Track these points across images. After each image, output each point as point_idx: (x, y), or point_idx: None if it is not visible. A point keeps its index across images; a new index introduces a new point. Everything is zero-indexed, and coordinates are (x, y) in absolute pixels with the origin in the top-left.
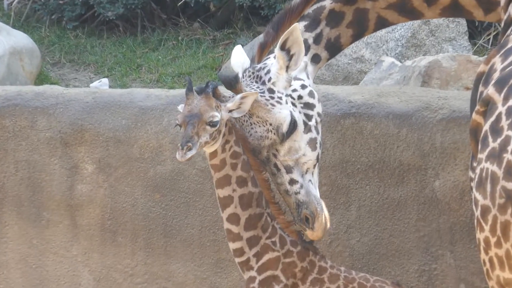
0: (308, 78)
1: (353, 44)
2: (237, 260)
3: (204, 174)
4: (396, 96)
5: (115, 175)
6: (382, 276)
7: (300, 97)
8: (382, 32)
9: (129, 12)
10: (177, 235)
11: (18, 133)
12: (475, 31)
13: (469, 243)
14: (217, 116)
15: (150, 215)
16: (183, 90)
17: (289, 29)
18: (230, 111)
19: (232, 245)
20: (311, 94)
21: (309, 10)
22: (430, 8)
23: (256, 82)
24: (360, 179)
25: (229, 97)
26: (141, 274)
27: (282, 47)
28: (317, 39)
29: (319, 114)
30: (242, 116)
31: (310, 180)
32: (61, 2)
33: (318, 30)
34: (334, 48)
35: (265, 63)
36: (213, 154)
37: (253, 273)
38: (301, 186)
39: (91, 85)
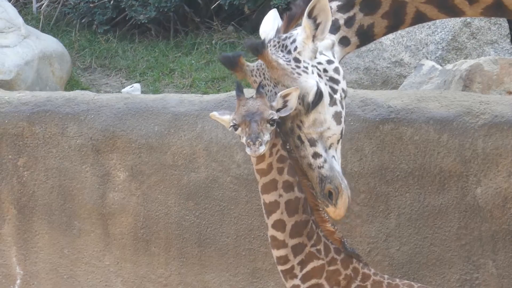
0: (333, 57)
1: (392, 47)
2: (280, 268)
3: (239, 181)
4: (437, 100)
5: (148, 183)
6: (424, 284)
7: (325, 70)
8: (422, 35)
9: (162, 16)
10: (212, 244)
11: (48, 140)
12: None
13: None
14: (275, 114)
15: (184, 223)
16: (217, 95)
17: None
18: (277, 110)
19: (276, 253)
20: (336, 70)
21: None
22: (471, 6)
23: (282, 51)
24: (400, 186)
25: (253, 66)
26: (175, 284)
27: (309, 15)
28: (348, 22)
29: (343, 90)
30: (265, 86)
31: (333, 156)
32: (91, 5)
33: (350, 14)
34: (366, 36)
35: (291, 33)
36: (261, 158)
37: (296, 281)
38: (325, 161)
39: (122, 90)
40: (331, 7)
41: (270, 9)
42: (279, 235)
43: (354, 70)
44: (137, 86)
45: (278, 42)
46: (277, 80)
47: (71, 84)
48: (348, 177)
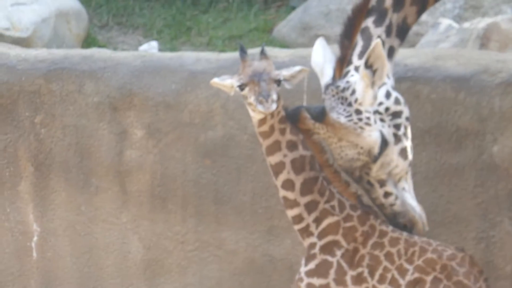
0: (388, 78)
1: None
2: (296, 227)
3: (255, 139)
4: (454, 59)
5: (165, 141)
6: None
7: (387, 109)
8: None
9: None
10: (228, 202)
11: (65, 97)
12: None
13: None
14: (281, 75)
15: (200, 181)
16: (234, 54)
17: (372, 46)
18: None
19: (290, 212)
20: (397, 101)
21: (373, 2)
22: None
23: (342, 104)
24: (416, 145)
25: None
26: (191, 242)
27: (366, 65)
28: (388, 31)
29: (407, 119)
30: (329, 137)
31: (403, 188)
32: None
33: (387, 21)
34: (403, 31)
35: (348, 82)
36: (262, 121)
37: (313, 239)
38: (396, 198)
39: (139, 48)
40: (368, 27)
41: None
42: (290, 195)
43: None
44: (154, 44)
45: (337, 93)
46: (341, 138)
47: (88, 41)
48: None
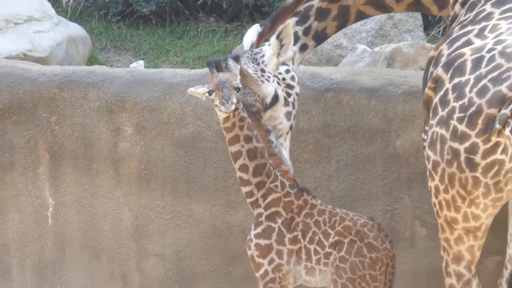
0: (293, 64)
1: (334, 35)
2: (248, 200)
3: (217, 135)
4: (367, 75)
5: (149, 136)
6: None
7: (284, 79)
8: (357, 25)
9: (160, 9)
10: (197, 182)
11: (74, 102)
12: (428, 24)
13: (423, 189)
14: (240, 83)
15: (176, 166)
16: (201, 70)
17: (285, 23)
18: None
19: (244, 189)
20: (292, 78)
21: (301, 8)
22: (398, 4)
23: (253, 62)
24: (339, 139)
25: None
26: (169, 212)
27: (277, 37)
28: (306, 31)
29: (297, 94)
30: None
31: (282, 144)
32: (107, 0)
33: (307, 24)
34: (320, 37)
35: (261, 49)
36: (226, 119)
37: (260, 210)
38: (275, 146)
39: (130, 65)
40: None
41: (242, 4)
42: (245, 176)
43: None
44: (141, 62)
45: (251, 55)
46: (246, 84)
47: (91, 60)
48: (300, 132)
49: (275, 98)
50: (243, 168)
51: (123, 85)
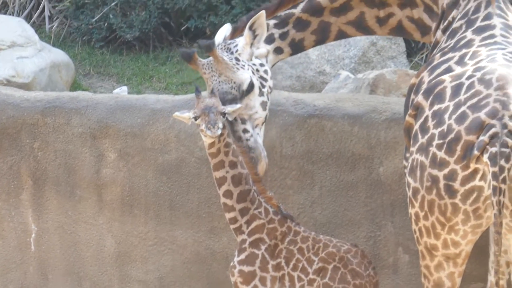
0: (266, 62)
1: (317, 61)
2: (232, 226)
3: (200, 161)
4: (350, 101)
5: (132, 162)
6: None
7: (258, 70)
8: (340, 51)
9: (143, 35)
10: (180, 208)
11: (57, 128)
12: (411, 51)
13: (406, 215)
14: (226, 109)
15: (159, 193)
16: (185, 96)
17: (257, 14)
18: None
19: (228, 215)
20: (266, 72)
21: (281, 13)
22: (381, 28)
23: (226, 51)
24: (322, 166)
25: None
26: (152, 238)
27: (250, 27)
28: (282, 36)
29: (270, 87)
30: (211, 76)
31: (258, 133)
32: (90, 26)
33: (285, 29)
34: (297, 47)
35: (235, 40)
36: (211, 144)
37: (244, 236)
38: (251, 135)
39: (113, 91)
40: (268, 24)
41: None
42: (229, 202)
43: (289, 77)
44: (124, 88)
45: (224, 45)
46: (221, 72)
47: (74, 86)
48: (283, 158)
49: (251, 85)
50: (227, 194)
51: (106, 111)
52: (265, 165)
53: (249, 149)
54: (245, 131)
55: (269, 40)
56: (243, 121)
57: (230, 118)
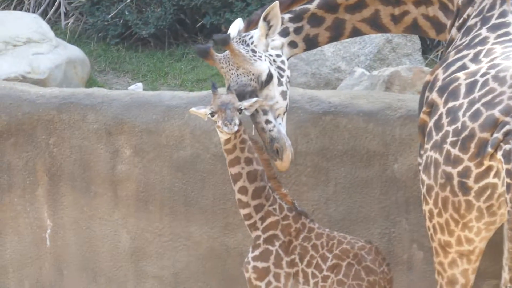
0: (282, 54)
1: (332, 58)
2: (246, 223)
3: (215, 158)
4: (365, 98)
5: (147, 158)
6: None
7: (274, 61)
8: (355, 48)
9: (159, 31)
10: (195, 204)
11: (72, 125)
12: (426, 48)
13: (420, 212)
14: (242, 105)
15: (174, 189)
16: (200, 93)
17: (272, 5)
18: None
19: (243, 211)
20: (283, 62)
21: (296, 8)
22: (396, 25)
23: (242, 44)
24: (337, 163)
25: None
26: (167, 234)
27: (264, 18)
28: (297, 30)
29: (288, 77)
30: (229, 70)
31: (280, 123)
32: (106, 23)
33: (299, 24)
34: (311, 43)
35: (249, 33)
36: (227, 141)
37: (258, 232)
38: (274, 126)
39: (129, 88)
40: (283, 17)
41: None
42: (244, 198)
43: (304, 74)
44: (139, 85)
45: (240, 38)
46: (239, 65)
47: (90, 82)
48: (298, 155)
49: (270, 76)
50: (243, 190)
51: (122, 107)
52: (291, 154)
53: (273, 139)
54: (268, 121)
55: (284, 33)
56: (265, 112)
57: (248, 113)
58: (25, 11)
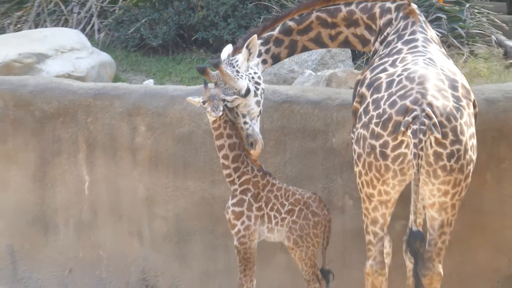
0: (258, 70)
1: (288, 62)
2: (227, 179)
3: (206, 133)
4: (312, 92)
5: (157, 133)
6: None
7: (253, 77)
8: (305, 56)
9: (165, 43)
10: (191, 166)
11: (104, 108)
12: (355, 56)
13: (351, 173)
14: (226, 97)
15: (176, 155)
16: (195, 86)
17: (251, 37)
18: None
19: (225, 172)
20: (259, 77)
21: (265, 35)
22: (332, 42)
23: (229, 66)
24: (292, 137)
25: (214, 73)
26: (171, 187)
27: (247, 46)
28: (267, 51)
29: (263, 89)
30: (219, 84)
31: (255, 123)
32: (127, 36)
33: (268, 46)
34: (276, 59)
35: (235, 57)
36: (214, 121)
37: (236, 186)
38: (250, 126)
39: (143, 83)
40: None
41: (223, 40)
42: (226, 162)
43: (268, 74)
44: (151, 80)
45: (228, 61)
46: (226, 81)
47: (116, 79)
48: (264, 131)
49: (248, 90)
50: (225, 157)
51: (138, 96)
52: (262, 145)
53: (249, 135)
54: (245, 123)
55: (259, 54)
56: (243, 116)
57: (229, 106)
58: (70, 27)
